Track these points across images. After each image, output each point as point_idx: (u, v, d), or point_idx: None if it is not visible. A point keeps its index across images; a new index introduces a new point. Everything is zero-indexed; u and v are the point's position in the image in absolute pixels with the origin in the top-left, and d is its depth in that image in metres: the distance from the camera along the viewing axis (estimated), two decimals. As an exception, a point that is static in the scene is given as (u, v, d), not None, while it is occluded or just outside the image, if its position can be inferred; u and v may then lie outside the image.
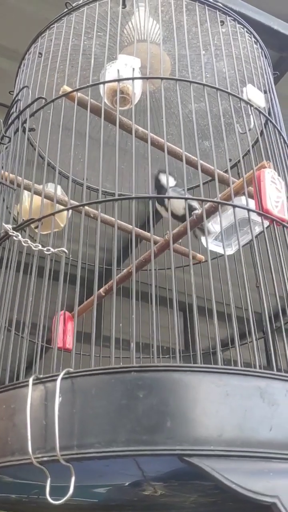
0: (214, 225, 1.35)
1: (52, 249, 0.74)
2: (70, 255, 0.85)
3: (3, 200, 1.03)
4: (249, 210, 0.81)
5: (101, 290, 1.26)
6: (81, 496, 0.97)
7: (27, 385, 0.64)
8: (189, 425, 0.59)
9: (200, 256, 1.44)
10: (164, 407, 0.60)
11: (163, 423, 0.59)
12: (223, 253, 1.38)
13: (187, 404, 0.61)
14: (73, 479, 0.58)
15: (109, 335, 0.96)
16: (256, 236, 1.17)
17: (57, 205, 0.94)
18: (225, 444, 0.58)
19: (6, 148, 0.99)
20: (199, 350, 0.69)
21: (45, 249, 0.75)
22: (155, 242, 1.35)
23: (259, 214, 0.82)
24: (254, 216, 1.01)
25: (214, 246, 1.39)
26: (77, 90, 0.92)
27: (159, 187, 1.26)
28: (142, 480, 0.76)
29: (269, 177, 0.85)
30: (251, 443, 0.59)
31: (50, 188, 1.16)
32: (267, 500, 0.54)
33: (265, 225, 1.02)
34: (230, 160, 1.32)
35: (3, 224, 0.79)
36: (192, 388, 0.62)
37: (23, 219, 1.12)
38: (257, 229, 1.26)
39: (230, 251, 1.36)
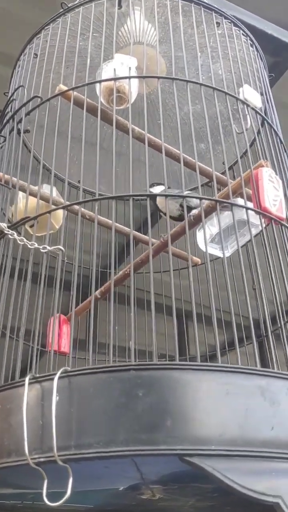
0: (210, 227, 1.34)
1: (48, 247, 0.73)
2: (66, 259, 0.84)
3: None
4: (247, 208, 0.80)
5: (97, 292, 1.24)
6: (77, 501, 0.95)
7: (23, 385, 0.63)
8: (190, 424, 0.58)
9: (196, 258, 1.43)
10: (164, 406, 0.59)
11: (163, 422, 0.57)
12: (218, 255, 1.38)
13: (187, 403, 0.59)
14: (70, 480, 0.56)
15: (104, 342, 0.95)
16: (248, 242, 1.16)
17: (52, 205, 0.93)
18: (227, 444, 0.57)
19: (1, 147, 0.98)
20: (197, 351, 0.68)
21: (41, 247, 0.74)
22: (146, 243, 1.34)
23: (257, 212, 0.81)
24: (251, 218, 1.01)
25: (210, 248, 1.38)
26: (73, 88, 0.91)
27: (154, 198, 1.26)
28: (141, 483, 0.75)
29: (267, 175, 0.84)
30: (253, 443, 0.58)
31: (45, 189, 1.15)
32: (270, 500, 0.53)
33: (263, 225, 1.02)
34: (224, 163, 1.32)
35: (-1, 222, 0.78)
36: (192, 386, 0.61)
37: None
38: (253, 231, 1.25)
39: (226, 254, 1.36)
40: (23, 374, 0.85)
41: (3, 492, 0.95)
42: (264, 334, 1.20)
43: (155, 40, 1.21)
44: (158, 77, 0.94)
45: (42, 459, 0.58)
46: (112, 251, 0.73)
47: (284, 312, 0.97)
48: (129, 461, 0.62)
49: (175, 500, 0.89)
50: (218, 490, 0.82)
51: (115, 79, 0.91)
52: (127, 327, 0.75)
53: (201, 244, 1.33)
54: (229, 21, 1.16)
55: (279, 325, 0.87)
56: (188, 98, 0.91)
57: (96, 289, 1.29)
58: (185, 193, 0.91)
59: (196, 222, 1.08)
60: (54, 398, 0.59)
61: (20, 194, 1.10)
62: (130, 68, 0.91)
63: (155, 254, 1.17)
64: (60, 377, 0.61)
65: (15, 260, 0.82)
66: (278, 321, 0.86)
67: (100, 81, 0.94)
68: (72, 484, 0.57)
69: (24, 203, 1.10)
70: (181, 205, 1.29)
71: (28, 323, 0.88)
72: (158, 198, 1.27)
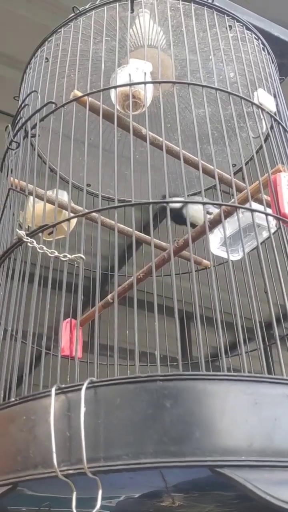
0: (221, 230, 1.34)
1: (69, 256, 0.73)
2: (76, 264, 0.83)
3: (10, 207, 1.02)
4: (267, 214, 0.80)
5: (109, 296, 1.24)
6: (94, 507, 0.95)
7: (49, 396, 0.62)
8: (218, 435, 0.58)
9: (206, 262, 1.43)
10: (191, 417, 0.58)
11: (191, 434, 0.57)
12: (230, 258, 1.38)
13: (215, 414, 0.59)
14: (100, 492, 0.56)
15: (107, 344, 0.94)
16: (263, 242, 1.16)
17: (66, 212, 0.93)
18: (256, 454, 0.57)
19: (15, 153, 0.98)
20: (206, 358, 0.68)
21: (61, 255, 0.74)
22: (161, 248, 1.34)
23: (277, 218, 0.81)
24: (261, 221, 1.00)
25: (220, 251, 1.38)
26: (88, 94, 0.91)
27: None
28: (163, 491, 0.75)
29: (285, 181, 0.84)
30: (283, 453, 0.58)
31: (60, 195, 1.15)
32: (303, 512, 0.53)
33: (273, 230, 1.02)
34: (235, 165, 1.32)
35: (17, 230, 0.77)
36: (219, 397, 0.60)
37: (29, 226, 1.10)
38: (264, 234, 1.25)
39: (237, 257, 1.36)
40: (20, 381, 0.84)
41: (20, 497, 0.94)
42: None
43: (166, 43, 1.21)
44: (174, 82, 0.93)
45: (71, 471, 0.57)
46: (133, 255, 0.73)
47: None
48: (156, 472, 0.62)
49: (193, 507, 0.89)
50: (238, 497, 0.81)
51: (130, 84, 0.91)
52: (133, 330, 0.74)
53: (212, 248, 1.33)
54: (241, 24, 1.16)
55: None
56: (205, 102, 0.91)
57: (101, 293, 1.29)
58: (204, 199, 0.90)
59: (213, 226, 1.08)
60: (82, 409, 0.58)
61: (30, 199, 1.10)
62: (145, 73, 0.91)
63: (169, 258, 1.16)
64: (86, 388, 0.60)
65: (33, 265, 0.82)
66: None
67: (115, 87, 0.93)
68: (96, 494, 0.57)
69: (37, 210, 1.10)
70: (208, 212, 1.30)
71: (40, 328, 0.88)
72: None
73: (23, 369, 0.89)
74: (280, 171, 0.87)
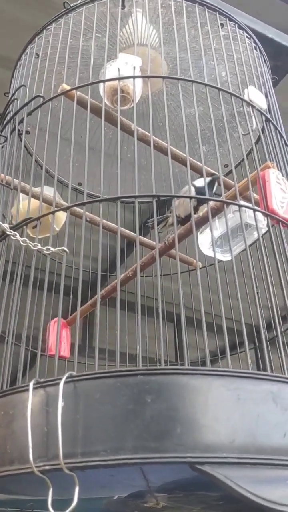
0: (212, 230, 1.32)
1: (52, 248, 0.71)
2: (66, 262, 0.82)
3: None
4: (254, 210, 0.78)
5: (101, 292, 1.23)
6: (77, 509, 0.93)
7: (27, 390, 0.61)
8: (200, 431, 0.56)
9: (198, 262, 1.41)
10: (173, 412, 0.57)
11: (172, 430, 0.56)
12: (220, 259, 1.37)
13: (197, 409, 0.58)
14: (77, 488, 0.54)
15: (103, 348, 0.93)
16: (252, 244, 1.15)
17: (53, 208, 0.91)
18: (238, 451, 0.55)
19: (2, 147, 0.97)
20: (196, 360, 0.67)
21: (44, 248, 0.72)
22: (152, 248, 1.33)
23: (265, 214, 0.80)
24: (252, 221, 0.99)
25: (211, 252, 1.37)
26: (76, 88, 0.90)
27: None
28: (146, 491, 0.73)
29: (274, 177, 0.83)
30: (265, 450, 0.56)
31: (46, 191, 1.13)
32: (286, 510, 0.51)
33: (265, 229, 1.01)
34: (227, 165, 1.31)
35: (0, 222, 0.76)
36: (202, 392, 0.59)
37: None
38: (255, 235, 1.24)
39: (228, 257, 1.34)
40: (14, 379, 0.83)
41: (2, 499, 0.92)
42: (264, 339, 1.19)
43: (157, 41, 1.20)
44: (163, 77, 0.93)
45: (47, 467, 0.56)
46: (118, 253, 0.71)
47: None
48: (136, 469, 0.61)
49: (178, 509, 0.87)
50: (224, 498, 0.80)
51: (119, 78, 0.90)
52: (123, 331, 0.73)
53: (203, 248, 1.32)
54: (233, 23, 1.15)
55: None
56: (194, 98, 0.90)
57: (91, 294, 1.28)
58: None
59: (201, 223, 1.07)
60: (60, 403, 0.57)
61: (20, 196, 1.09)
62: (134, 67, 0.90)
63: (159, 257, 1.15)
64: (65, 382, 0.59)
65: (15, 264, 0.81)
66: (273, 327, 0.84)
67: (104, 81, 0.92)
68: (78, 493, 0.55)
69: (23, 205, 1.09)
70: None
71: (24, 328, 0.86)
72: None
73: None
74: (269, 168, 0.85)
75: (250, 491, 0.52)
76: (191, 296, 1.18)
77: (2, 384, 0.73)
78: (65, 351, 1.25)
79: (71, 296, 1.16)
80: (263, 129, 1.03)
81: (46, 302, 0.77)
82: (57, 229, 1.17)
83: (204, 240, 1.35)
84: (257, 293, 0.96)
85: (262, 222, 1.03)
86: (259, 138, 1.02)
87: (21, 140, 0.98)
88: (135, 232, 1.54)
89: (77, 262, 1.05)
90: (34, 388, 0.60)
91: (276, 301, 0.81)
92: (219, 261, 1.34)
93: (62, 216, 1.16)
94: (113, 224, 1.30)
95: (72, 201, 0.93)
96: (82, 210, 1.17)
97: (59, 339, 1.25)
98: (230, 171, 1.28)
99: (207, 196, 0.86)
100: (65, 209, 0.78)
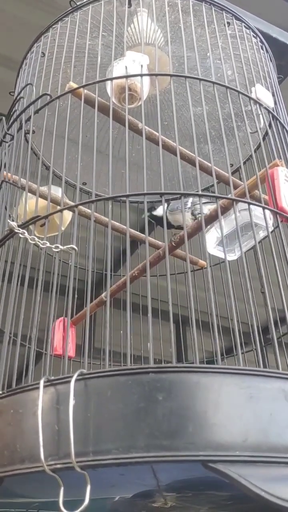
0: (217, 229, 1.32)
1: (61, 246, 0.71)
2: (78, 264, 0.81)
3: (2, 199, 1.00)
4: (264, 208, 0.78)
5: (103, 295, 1.22)
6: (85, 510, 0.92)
7: (37, 388, 0.60)
8: (212, 429, 0.56)
9: (202, 262, 1.41)
10: (185, 410, 0.56)
11: (184, 428, 0.55)
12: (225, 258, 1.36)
13: (209, 408, 0.57)
14: (88, 487, 0.54)
15: (99, 347, 0.92)
16: (260, 241, 1.15)
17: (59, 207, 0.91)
18: (251, 450, 0.55)
19: (9, 145, 0.96)
20: (202, 360, 0.66)
21: (53, 246, 0.72)
22: (157, 247, 1.33)
23: (274, 212, 0.79)
24: (258, 220, 0.99)
25: (216, 251, 1.37)
26: (84, 86, 0.90)
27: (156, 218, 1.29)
28: (155, 491, 0.72)
29: (283, 175, 0.83)
30: (278, 448, 0.56)
31: (52, 190, 1.13)
32: (300, 509, 0.51)
33: (271, 229, 1.00)
34: (232, 165, 1.31)
35: (8, 221, 0.75)
36: (213, 390, 0.58)
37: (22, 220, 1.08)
38: (261, 234, 1.24)
39: (233, 257, 1.34)
40: (19, 379, 0.82)
41: (9, 500, 0.92)
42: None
43: (163, 40, 1.20)
44: (171, 75, 0.92)
45: (58, 466, 0.55)
46: (128, 251, 0.71)
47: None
48: (147, 468, 0.60)
49: (187, 509, 0.87)
50: (233, 498, 0.79)
51: (127, 76, 0.89)
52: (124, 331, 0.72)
53: (209, 248, 1.32)
54: (240, 21, 1.15)
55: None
56: (202, 97, 0.89)
57: (94, 295, 1.27)
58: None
59: (207, 223, 1.06)
60: (71, 401, 0.56)
61: (23, 196, 1.09)
62: (142, 65, 0.90)
63: (164, 257, 1.15)
64: (76, 380, 0.58)
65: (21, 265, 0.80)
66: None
67: (111, 79, 0.92)
68: (85, 492, 0.55)
69: (30, 204, 1.08)
70: (192, 213, 1.30)
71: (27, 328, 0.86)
72: (169, 214, 1.30)
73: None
74: (278, 166, 0.85)
75: (264, 490, 0.52)
76: (196, 296, 1.17)
77: (5, 384, 0.73)
78: (70, 351, 1.24)
79: (76, 296, 1.16)
80: (270, 126, 1.02)
81: (50, 302, 0.76)
82: (63, 229, 1.17)
83: (210, 239, 1.35)
84: (262, 292, 0.96)
85: (268, 221, 1.03)
86: (265, 136, 1.02)
87: (27, 139, 0.98)
88: (138, 231, 1.54)
89: (81, 262, 1.05)
90: (44, 386, 0.60)
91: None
92: (223, 260, 1.33)
93: (67, 216, 1.16)
94: (118, 224, 1.30)
95: (78, 201, 0.93)
96: (87, 210, 1.18)
97: (64, 338, 1.24)
98: (236, 170, 1.28)
99: (208, 197, 0.85)
100: (73, 207, 0.77)
